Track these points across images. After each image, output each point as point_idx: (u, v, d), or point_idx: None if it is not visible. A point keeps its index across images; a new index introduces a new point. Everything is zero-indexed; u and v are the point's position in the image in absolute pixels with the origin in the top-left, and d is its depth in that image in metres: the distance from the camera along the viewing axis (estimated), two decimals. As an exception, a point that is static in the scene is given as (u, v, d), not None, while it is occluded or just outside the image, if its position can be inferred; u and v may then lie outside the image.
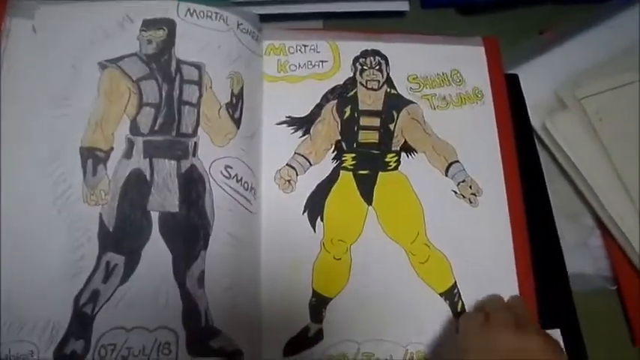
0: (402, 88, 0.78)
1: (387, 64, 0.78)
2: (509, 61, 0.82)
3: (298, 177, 0.73)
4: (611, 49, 0.85)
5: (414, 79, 0.78)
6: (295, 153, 0.74)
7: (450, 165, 0.75)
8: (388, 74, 0.78)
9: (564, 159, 0.80)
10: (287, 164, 0.73)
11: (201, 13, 0.73)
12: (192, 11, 0.72)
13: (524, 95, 0.82)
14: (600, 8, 0.88)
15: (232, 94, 0.72)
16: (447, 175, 0.75)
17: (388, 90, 0.77)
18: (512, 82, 0.81)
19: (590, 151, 0.79)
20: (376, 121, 0.76)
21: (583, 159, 0.79)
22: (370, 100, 0.77)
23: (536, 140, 0.81)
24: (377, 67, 0.78)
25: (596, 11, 0.88)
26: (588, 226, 0.81)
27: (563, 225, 0.78)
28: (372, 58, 0.78)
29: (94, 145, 0.66)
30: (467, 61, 0.80)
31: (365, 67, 0.78)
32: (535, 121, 0.81)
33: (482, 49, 0.81)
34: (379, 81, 0.77)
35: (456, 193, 0.74)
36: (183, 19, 0.72)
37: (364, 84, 0.77)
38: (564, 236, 0.77)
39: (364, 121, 0.76)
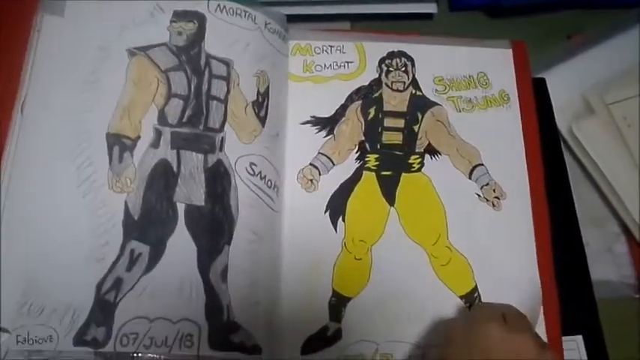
0: (428, 90, 0.78)
1: (412, 65, 0.78)
2: (537, 65, 0.82)
3: (321, 177, 0.73)
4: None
5: (439, 80, 0.78)
6: (319, 153, 0.74)
7: (474, 168, 0.75)
8: (414, 76, 0.78)
9: (590, 164, 0.80)
10: (310, 164, 0.73)
11: (231, 10, 0.73)
12: (221, 7, 0.73)
13: (551, 99, 0.81)
14: (629, 13, 0.88)
15: (258, 93, 0.72)
16: (470, 178, 0.74)
17: (413, 91, 0.77)
18: (540, 86, 0.81)
19: (616, 156, 0.79)
20: (400, 123, 0.76)
21: (609, 164, 0.79)
22: (395, 101, 0.77)
23: (562, 144, 0.81)
24: (403, 69, 0.78)
25: (624, 16, 0.87)
26: (613, 233, 0.80)
27: (587, 231, 0.77)
28: (398, 59, 0.78)
29: (121, 132, 0.67)
30: (494, 64, 0.80)
31: (391, 69, 0.78)
32: (561, 125, 0.81)
33: (509, 52, 0.80)
34: (404, 82, 0.77)
35: (479, 196, 0.74)
36: (213, 15, 0.72)
37: (389, 85, 0.77)
38: (589, 242, 0.77)
39: (388, 122, 0.76)
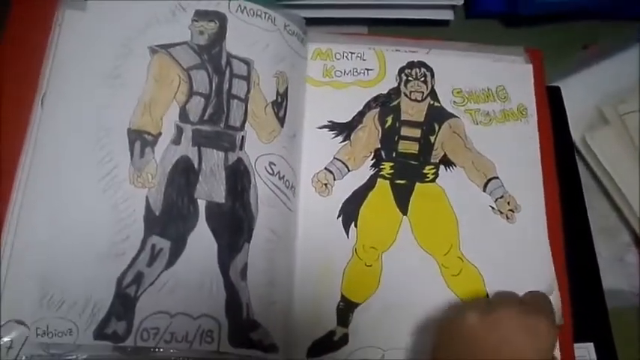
0: (446, 101, 0.78)
1: (432, 76, 0.78)
2: (552, 74, 0.83)
3: (335, 182, 0.73)
4: (655, 67, 0.85)
5: (458, 92, 0.78)
6: (334, 158, 0.74)
7: (488, 181, 0.74)
8: (433, 86, 0.78)
9: (603, 174, 0.80)
10: (325, 168, 0.73)
11: (251, 11, 0.73)
12: (242, 8, 0.73)
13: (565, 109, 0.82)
14: (645, 25, 0.89)
15: (278, 93, 0.72)
16: (484, 191, 0.74)
17: (431, 102, 0.77)
18: (554, 95, 0.81)
19: (629, 167, 0.79)
20: (417, 132, 0.76)
21: (622, 175, 0.79)
22: (413, 110, 0.77)
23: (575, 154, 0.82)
24: (422, 79, 0.78)
25: (640, 28, 0.88)
26: (625, 243, 0.81)
27: (599, 241, 0.78)
28: (417, 69, 0.78)
29: (143, 128, 0.66)
30: (513, 77, 0.80)
31: (410, 78, 0.78)
32: (575, 134, 0.82)
33: (530, 67, 0.80)
34: (423, 92, 0.77)
35: (493, 208, 0.74)
36: (234, 15, 0.72)
37: (408, 95, 0.77)
38: (600, 252, 0.77)
39: (405, 131, 0.76)
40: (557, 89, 0.82)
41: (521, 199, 0.74)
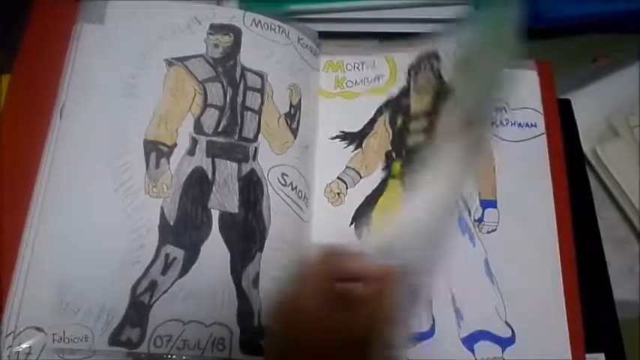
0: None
1: (438, 61, 0.79)
2: (563, 86, 0.83)
3: (348, 190, 0.74)
4: (664, 79, 0.85)
5: None
6: (347, 167, 0.75)
7: None
8: (439, 72, 0.79)
9: (614, 185, 0.80)
10: (338, 177, 0.74)
11: (265, 25, 0.75)
12: (257, 22, 0.75)
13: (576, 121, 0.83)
14: (654, 39, 0.89)
15: (291, 105, 0.74)
16: None
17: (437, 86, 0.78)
18: (565, 107, 0.82)
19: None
20: (424, 122, 0.76)
21: (632, 186, 0.79)
22: (421, 102, 0.78)
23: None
24: (430, 69, 0.79)
25: (649, 41, 0.89)
26: (636, 254, 0.81)
27: (609, 251, 0.78)
28: (426, 61, 0.79)
29: (158, 139, 0.68)
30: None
31: (418, 72, 0.79)
32: (585, 146, 0.82)
33: (535, 74, 0.81)
34: (432, 83, 0.78)
35: None
36: (248, 28, 0.74)
37: (417, 89, 0.78)
38: (611, 263, 0.77)
39: (413, 125, 0.77)
40: (568, 102, 0.83)
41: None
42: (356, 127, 0.77)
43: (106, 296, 0.62)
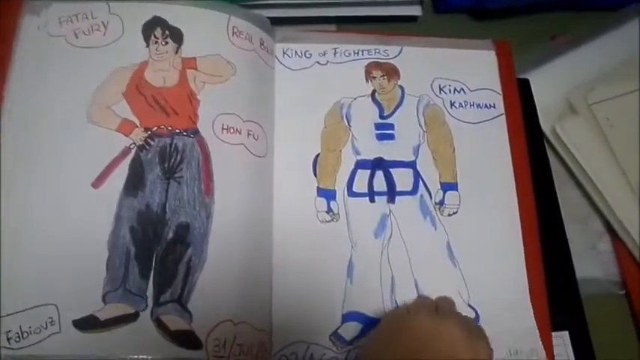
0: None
1: None
2: (520, 66, 0.83)
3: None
4: (622, 56, 0.85)
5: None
6: None
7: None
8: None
9: (574, 164, 0.81)
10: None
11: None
12: None
13: (535, 100, 0.83)
14: (612, 15, 0.89)
15: None
16: None
17: None
18: (524, 87, 0.82)
19: (599, 156, 0.80)
20: None
21: (593, 164, 0.80)
22: None
23: (545, 144, 0.82)
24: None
25: (607, 18, 0.89)
26: (597, 231, 0.81)
27: (572, 229, 0.78)
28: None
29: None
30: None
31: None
32: (545, 125, 0.82)
33: (493, 54, 0.81)
34: None
35: None
36: None
37: None
38: (573, 240, 0.78)
39: None
40: (527, 81, 0.83)
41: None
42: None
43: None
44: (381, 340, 0.62)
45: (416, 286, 0.70)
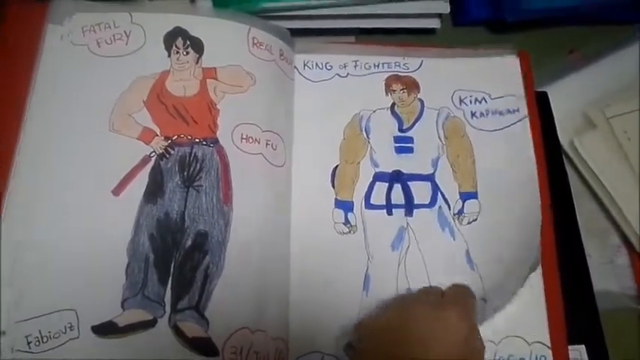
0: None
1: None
2: (539, 79, 0.83)
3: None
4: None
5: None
6: None
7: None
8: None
9: (592, 177, 0.81)
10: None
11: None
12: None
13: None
14: (629, 30, 0.90)
15: None
16: None
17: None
18: (542, 100, 0.82)
19: (617, 169, 0.80)
20: None
21: (610, 177, 0.80)
22: None
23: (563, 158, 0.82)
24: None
25: (625, 32, 0.89)
26: (614, 245, 0.81)
27: (589, 243, 0.78)
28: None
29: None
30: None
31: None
32: (563, 138, 0.82)
33: (516, 59, 0.81)
34: None
35: None
36: None
37: None
38: (590, 254, 0.77)
39: None
40: (545, 94, 0.83)
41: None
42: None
43: None
44: (382, 330, 0.61)
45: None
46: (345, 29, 0.85)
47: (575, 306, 0.72)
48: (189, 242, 0.65)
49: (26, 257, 0.62)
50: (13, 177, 0.64)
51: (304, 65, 0.79)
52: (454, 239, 0.72)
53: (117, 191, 0.66)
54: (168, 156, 0.68)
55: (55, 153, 0.66)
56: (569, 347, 0.70)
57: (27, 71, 0.69)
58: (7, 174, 0.64)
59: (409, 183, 0.74)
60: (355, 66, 0.79)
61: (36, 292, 0.61)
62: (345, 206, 0.73)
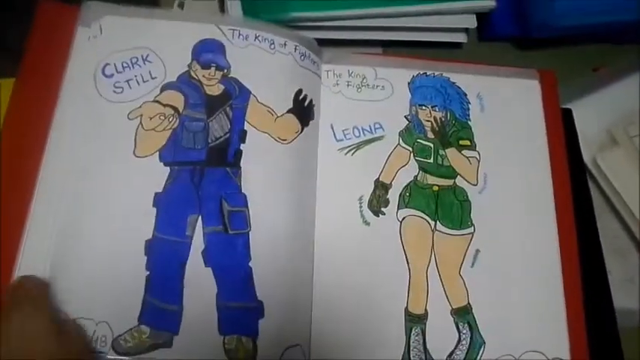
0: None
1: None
2: (563, 96, 0.82)
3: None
4: (664, 89, 0.86)
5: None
6: None
7: None
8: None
9: (614, 195, 0.81)
10: None
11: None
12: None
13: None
14: (653, 49, 0.90)
15: None
16: None
17: None
18: (566, 117, 0.82)
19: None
20: None
21: (633, 195, 0.80)
22: None
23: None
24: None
25: (649, 52, 0.90)
26: (636, 264, 0.81)
27: (610, 261, 0.78)
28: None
29: None
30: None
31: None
32: (585, 155, 0.83)
33: (537, 83, 0.81)
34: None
35: None
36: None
37: None
38: (611, 272, 0.78)
39: None
40: (569, 111, 0.83)
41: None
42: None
43: None
44: None
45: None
46: (371, 41, 0.86)
47: (595, 324, 0.72)
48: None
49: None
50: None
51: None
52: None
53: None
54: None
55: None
56: (590, 365, 0.70)
57: (57, 72, 0.68)
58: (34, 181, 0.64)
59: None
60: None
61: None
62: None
